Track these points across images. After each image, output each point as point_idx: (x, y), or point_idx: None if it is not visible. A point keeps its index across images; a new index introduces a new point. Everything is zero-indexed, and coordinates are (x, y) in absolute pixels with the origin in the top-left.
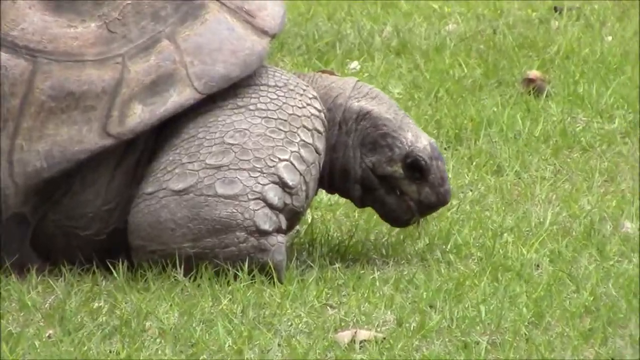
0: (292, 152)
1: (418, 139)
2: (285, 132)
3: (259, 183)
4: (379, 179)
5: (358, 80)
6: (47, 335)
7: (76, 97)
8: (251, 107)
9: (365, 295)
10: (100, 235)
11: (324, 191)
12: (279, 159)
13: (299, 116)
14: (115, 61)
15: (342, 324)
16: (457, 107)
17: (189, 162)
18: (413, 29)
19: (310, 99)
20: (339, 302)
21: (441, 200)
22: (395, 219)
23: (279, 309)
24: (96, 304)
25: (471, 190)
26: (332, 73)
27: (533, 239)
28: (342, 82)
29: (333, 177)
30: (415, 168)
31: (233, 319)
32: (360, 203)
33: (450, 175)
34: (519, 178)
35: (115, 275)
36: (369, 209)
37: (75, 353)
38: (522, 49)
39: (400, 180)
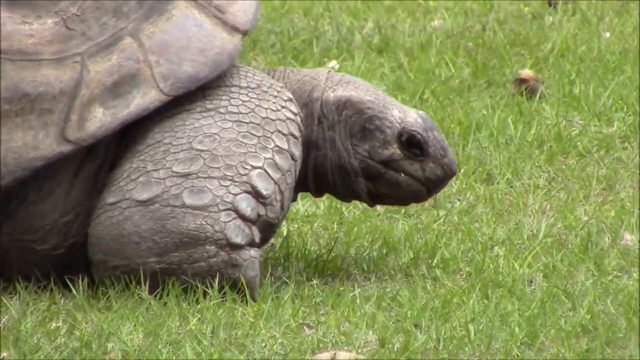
0: (265, 158)
1: (406, 114)
2: (259, 137)
3: (230, 192)
4: (381, 164)
5: (329, 70)
6: (0, 358)
7: (32, 100)
8: (221, 110)
9: (345, 313)
10: (58, 249)
11: (300, 201)
12: (252, 166)
13: (273, 120)
14: (74, 60)
15: (321, 345)
16: (443, 109)
17: (154, 170)
18: (396, 25)
19: (285, 101)
20: (316, 322)
21: (448, 172)
22: (417, 194)
23: (252, 329)
24: (54, 324)
25: (459, 200)
26: None
27: (526, 252)
28: (314, 74)
29: (326, 177)
30: (413, 144)
31: (202, 340)
32: (370, 197)
33: None
34: (511, 186)
35: (75, 293)
36: (348, 220)
37: None
38: (514, 46)
39: (400, 162)
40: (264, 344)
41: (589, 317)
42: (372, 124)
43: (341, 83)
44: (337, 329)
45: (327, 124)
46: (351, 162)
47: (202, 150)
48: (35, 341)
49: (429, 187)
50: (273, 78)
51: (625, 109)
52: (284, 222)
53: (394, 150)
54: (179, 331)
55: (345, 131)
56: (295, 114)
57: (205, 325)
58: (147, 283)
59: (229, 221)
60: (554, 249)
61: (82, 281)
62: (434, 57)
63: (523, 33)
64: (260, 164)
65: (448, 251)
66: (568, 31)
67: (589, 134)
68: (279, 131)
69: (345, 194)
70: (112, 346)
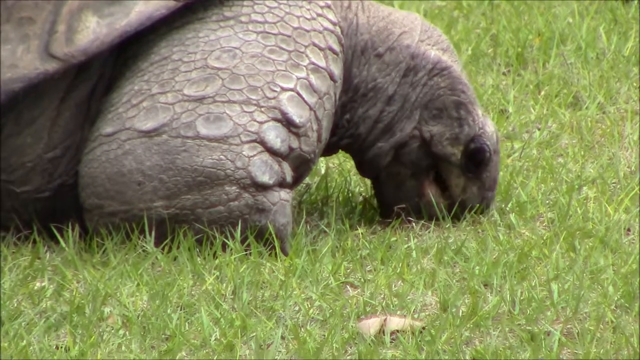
0: (298, 78)
1: (486, 121)
2: (290, 52)
3: (255, 120)
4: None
5: (422, 20)
6: None
7: (8, 6)
8: (243, 18)
9: (398, 270)
10: (42, 192)
11: None
12: (282, 88)
13: (307, 31)
14: None
15: (368, 308)
16: (519, 16)
17: (161, 93)
18: None
19: (322, 7)
20: (362, 280)
21: (483, 208)
22: (393, 204)
23: (282, 290)
24: (38, 284)
25: (539, 129)
26: None
27: (622, 194)
28: (404, 18)
29: (364, 133)
30: (476, 158)
31: (221, 304)
32: (366, 172)
33: (510, 109)
34: (603, 112)
35: (63, 245)
36: None
37: (10, 350)
38: None
39: (451, 167)
40: (297, 308)
41: None
42: (457, 112)
43: (439, 47)
44: (387, 289)
45: (412, 79)
46: (404, 130)
47: (219, 69)
48: (15, 305)
49: (457, 206)
50: (348, 8)
51: None
52: (321, 158)
53: (456, 152)
54: (193, 293)
55: (424, 98)
56: (334, 24)
57: (224, 285)
58: (153, 233)
59: (254, 156)
60: None
61: (73, 231)
62: None
63: None
64: (292, 86)
65: (525, 193)
66: None
67: None
68: (315, 45)
69: (355, 151)
70: (110, 311)
